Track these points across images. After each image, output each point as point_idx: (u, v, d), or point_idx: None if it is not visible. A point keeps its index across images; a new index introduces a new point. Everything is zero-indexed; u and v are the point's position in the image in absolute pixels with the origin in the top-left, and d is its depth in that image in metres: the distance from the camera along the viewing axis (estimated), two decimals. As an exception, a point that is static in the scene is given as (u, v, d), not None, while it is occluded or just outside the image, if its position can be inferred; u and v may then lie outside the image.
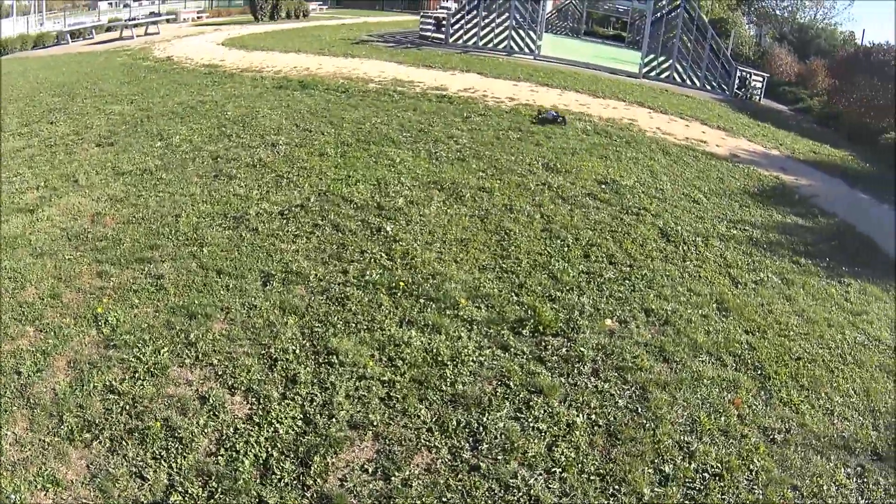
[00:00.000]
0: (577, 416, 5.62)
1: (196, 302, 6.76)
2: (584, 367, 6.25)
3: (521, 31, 26.32)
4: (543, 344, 6.54)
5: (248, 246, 7.94)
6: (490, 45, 26.69)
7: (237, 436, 5.16)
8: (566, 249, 8.51)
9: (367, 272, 7.51)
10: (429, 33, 29.45)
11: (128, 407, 5.38)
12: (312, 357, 6.10)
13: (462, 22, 27.44)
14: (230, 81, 17.15)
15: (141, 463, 4.91)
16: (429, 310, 6.91)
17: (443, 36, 28.09)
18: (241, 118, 13.08)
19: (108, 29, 36.31)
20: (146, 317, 6.54)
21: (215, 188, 9.63)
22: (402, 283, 7.30)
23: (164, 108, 14.04)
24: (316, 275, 7.42)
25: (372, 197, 9.50)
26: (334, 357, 6.06)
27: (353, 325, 6.59)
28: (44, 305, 6.79)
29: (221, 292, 6.97)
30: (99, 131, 12.61)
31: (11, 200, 9.56)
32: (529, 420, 5.53)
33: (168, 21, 36.31)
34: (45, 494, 4.67)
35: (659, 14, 25.19)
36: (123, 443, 5.07)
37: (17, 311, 6.72)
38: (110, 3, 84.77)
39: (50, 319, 6.55)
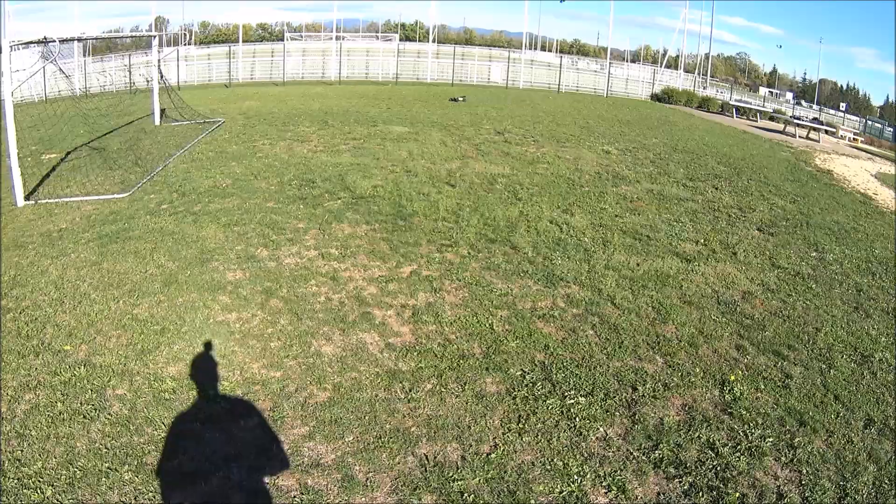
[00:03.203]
0: None
1: (809, 414, 7.44)
2: None
3: None
4: None
5: (866, 385, 8.31)
6: None
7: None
8: None
9: None
10: None
11: (718, 468, 6.33)
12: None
13: None
14: (881, 219, 17.77)
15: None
16: None
17: None
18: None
19: (771, 118, 39.35)
20: (765, 404, 7.46)
21: (853, 320, 10.16)
22: None
23: (822, 220, 15.13)
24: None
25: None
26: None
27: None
28: (679, 347, 8.31)
29: (831, 416, 7.51)
30: (761, 217, 14.29)
31: (670, 242, 11.76)
32: None
33: (826, 132, 37.86)
34: (607, 493, 5.88)
35: None
36: (700, 496, 5.97)
37: (650, 339, 8.42)
38: (770, 92, 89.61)
39: (679, 360, 8.03)
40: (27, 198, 15.42)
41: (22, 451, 6.31)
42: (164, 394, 7.14)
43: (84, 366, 7.71)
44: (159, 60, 27.75)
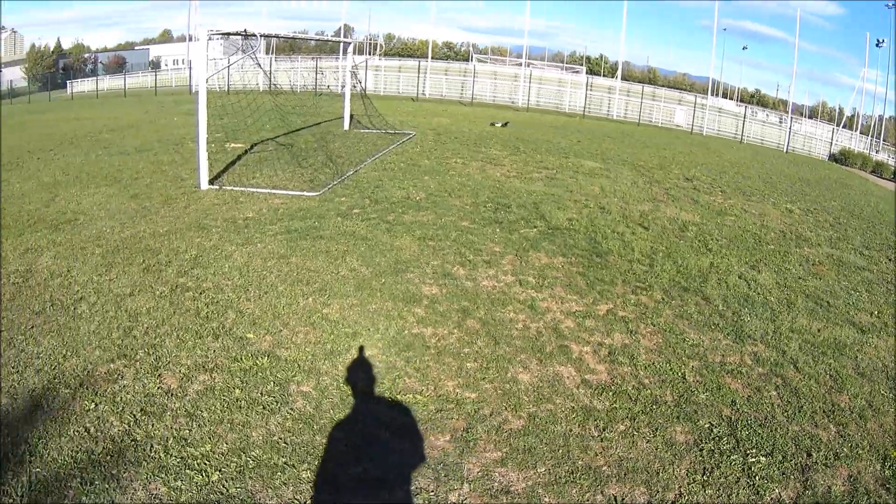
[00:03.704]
0: None
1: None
2: None
3: None
4: None
5: None
6: None
7: None
8: None
9: None
10: None
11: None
12: None
13: None
14: None
15: None
16: None
17: None
18: None
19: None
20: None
21: None
22: None
23: None
24: None
25: None
26: None
27: None
28: (850, 418, 8.02)
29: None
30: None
31: (848, 311, 11.45)
32: None
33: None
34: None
35: None
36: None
37: (826, 407, 8.17)
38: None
39: (850, 431, 7.72)
40: (211, 182, 15.87)
41: (190, 431, 6.51)
42: (352, 397, 7.23)
43: (267, 356, 7.94)
44: (354, 66, 28.36)
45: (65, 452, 6.04)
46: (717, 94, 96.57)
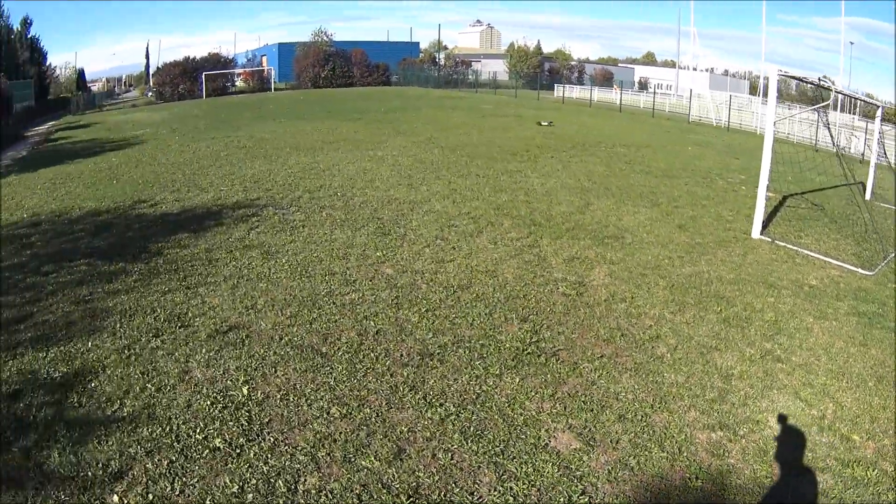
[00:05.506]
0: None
1: None
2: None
3: None
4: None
5: None
6: None
7: None
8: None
9: None
10: None
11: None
12: None
13: None
14: None
15: None
16: None
17: None
18: None
19: None
20: None
21: None
22: None
23: None
24: None
25: None
26: None
27: None
28: None
29: None
30: None
31: None
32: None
33: None
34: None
35: None
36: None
37: None
38: None
39: None
40: (761, 232, 15.50)
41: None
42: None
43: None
44: (881, 133, 26.61)
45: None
46: None
